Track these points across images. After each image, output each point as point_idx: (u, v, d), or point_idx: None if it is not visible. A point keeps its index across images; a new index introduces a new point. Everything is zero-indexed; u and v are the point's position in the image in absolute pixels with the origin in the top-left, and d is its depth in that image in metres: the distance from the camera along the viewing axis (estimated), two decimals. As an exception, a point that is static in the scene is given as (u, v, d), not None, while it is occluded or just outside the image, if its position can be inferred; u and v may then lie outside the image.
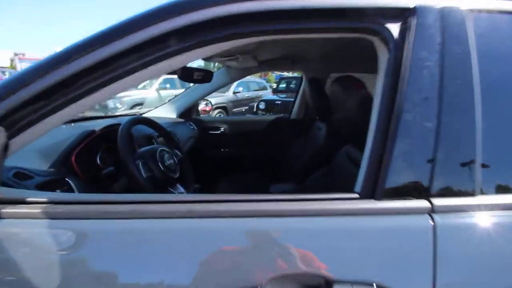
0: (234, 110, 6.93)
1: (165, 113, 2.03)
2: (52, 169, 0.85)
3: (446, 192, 0.53)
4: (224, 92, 6.75)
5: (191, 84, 2.06)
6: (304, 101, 2.13)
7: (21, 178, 0.72)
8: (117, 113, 2.00)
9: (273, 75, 19.91)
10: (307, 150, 1.70)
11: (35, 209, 0.53)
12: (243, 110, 7.19)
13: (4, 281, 0.52)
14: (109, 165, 1.03)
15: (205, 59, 1.35)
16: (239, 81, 7.33)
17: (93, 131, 0.99)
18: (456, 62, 0.56)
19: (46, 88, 0.54)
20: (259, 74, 16.63)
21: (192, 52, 0.61)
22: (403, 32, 0.58)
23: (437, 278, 0.49)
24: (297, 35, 0.63)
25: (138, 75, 0.58)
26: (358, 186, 0.57)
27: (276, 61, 1.80)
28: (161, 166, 0.99)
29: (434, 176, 0.53)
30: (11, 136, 0.53)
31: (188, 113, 2.12)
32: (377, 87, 0.61)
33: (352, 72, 1.39)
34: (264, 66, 1.89)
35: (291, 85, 7.44)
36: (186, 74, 1.21)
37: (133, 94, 6.80)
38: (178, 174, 1.07)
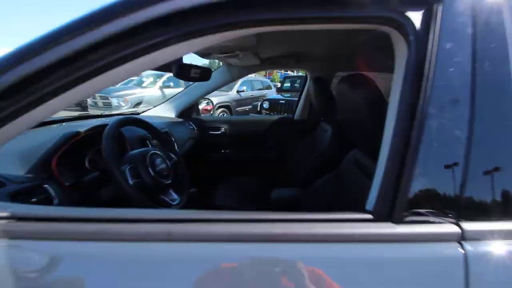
0: (238, 109, 6.85)
1: (164, 113, 1.95)
2: (29, 175, 0.77)
3: (480, 215, 0.43)
4: (227, 91, 6.67)
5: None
6: (308, 101, 2.04)
7: None
8: (114, 112, 1.92)
9: (278, 74, 19.81)
10: (311, 153, 1.61)
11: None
12: (247, 109, 7.10)
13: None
14: (99, 169, 0.96)
15: (202, 56, 1.27)
16: (243, 79, 7.27)
17: (77, 133, 0.92)
18: (491, 58, 0.46)
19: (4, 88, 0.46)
20: (263, 73, 16.58)
21: (178, 46, 0.52)
22: (427, 21, 0.48)
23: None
24: (298, 26, 0.54)
25: (114, 72, 0.50)
26: (371, 203, 0.48)
27: (278, 59, 1.71)
28: (151, 171, 0.91)
29: (465, 196, 0.43)
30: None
31: (188, 112, 2.05)
32: (394, 87, 0.52)
33: (361, 71, 1.30)
34: (267, 64, 1.80)
35: (296, 84, 7.32)
36: (182, 72, 1.12)
37: (137, 92, 6.79)
38: (170, 180, 0.99)
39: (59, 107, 0.52)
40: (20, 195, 0.68)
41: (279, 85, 9.15)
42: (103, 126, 0.93)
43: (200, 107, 4.67)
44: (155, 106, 2.01)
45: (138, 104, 6.14)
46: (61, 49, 0.46)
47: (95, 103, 6.94)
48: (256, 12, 0.48)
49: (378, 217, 0.45)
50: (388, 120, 0.52)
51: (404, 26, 0.49)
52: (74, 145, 0.93)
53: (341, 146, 1.48)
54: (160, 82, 6.97)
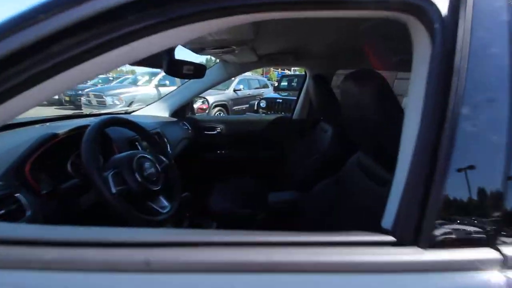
0: (235, 108, 6.77)
1: (157, 112, 1.87)
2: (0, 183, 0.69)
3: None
4: (224, 90, 6.59)
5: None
6: (307, 100, 1.96)
7: None
8: (103, 111, 1.83)
9: (275, 72, 19.77)
10: (310, 154, 1.54)
11: None
12: (244, 108, 7.03)
13: None
14: (82, 174, 0.87)
15: (196, 51, 1.18)
16: (240, 78, 7.19)
17: (54, 135, 0.83)
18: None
19: None
20: (260, 71, 16.49)
21: (161, 35, 0.44)
22: (455, 7, 0.41)
23: None
24: (304, 12, 0.46)
25: (84, 67, 0.42)
26: (389, 221, 0.40)
27: (277, 55, 1.63)
28: (138, 176, 0.82)
29: (506, 214, 0.36)
30: None
31: (182, 111, 1.96)
32: (415, 86, 0.44)
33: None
34: (264, 61, 1.72)
35: (293, 83, 7.27)
36: (174, 68, 1.03)
37: (132, 91, 6.68)
38: (160, 185, 0.90)
39: (20, 108, 0.43)
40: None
41: (276, 84, 9.08)
42: (82, 127, 0.84)
43: (195, 106, 4.58)
44: (148, 105, 1.92)
45: (130, 103, 6.03)
46: (15, 40, 0.37)
47: (89, 101, 6.81)
48: None
49: (401, 240, 0.37)
50: (407, 123, 0.44)
51: (427, 12, 0.42)
52: (52, 148, 0.84)
53: (343, 147, 1.41)
54: (155, 81, 6.86)
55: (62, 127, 0.95)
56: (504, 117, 0.37)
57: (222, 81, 1.89)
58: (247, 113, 6.76)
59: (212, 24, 0.45)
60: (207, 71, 1.25)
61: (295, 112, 2.06)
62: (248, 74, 8.84)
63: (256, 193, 1.64)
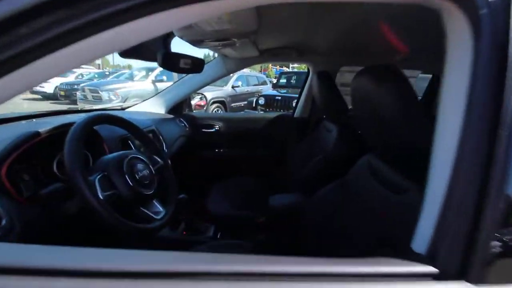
0: (233, 105, 6.69)
1: (152, 108, 1.79)
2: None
3: None
4: (222, 86, 6.51)
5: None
6: (310, 98, 1.89)
7: None
8: (95, 107, 1.74)
9: (273, 69, 19.66)
10: (313, 154, 1.47)
11: None
12: (242, 105, 6.95)
13: None
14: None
15: (194, 43, 1.10)
16: (238, 74, 7.10)
17: (36, 133, 0.75)
18: None
19: None
20: (259, 68, 16.40)
21: (152, 17, 0.37)
22: None
23: None
24: None
25: (53, 57, 0.35)
26: (423, 244, 0.33)
27: (279, 50, 1.56)
28: (129, 180, 0.75)
29: None
30: None
31: (179, 108, 1.88)
32: (451, 85, 0.37)
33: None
34: (266, 56, 1.64)
35: (292, 81, 7.19)
36: (169, 62, 0.96)
37: (128, 86, 6.56)
38: (154, 189, 0.83)
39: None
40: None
41: (274, 81, 8.99)
42: (68, 125, 0.76)
43: (193, 102, 4.49)
44: (143, 101, 1.84)
45: (126, 99, 5.94)
46: None
47: (85, 96, 6.69)
48: None
49: (444, 272, 0.30)
50: (442, 129, 0.37)
51: None
52: (36, 147, 0.76)
53: (349, 148, 1.35)
54: (152, 76, 6.75)
55: (50, 124, 0.87)
56: None
57: (221, 76, 1.81)
58: (245, 110, 6.68)
59: (212, 6, 0.38)
60: (206, 66, 1.17)
61: (296, 110, 1.99)
62: (246, 70, 8.74)
63: (256, 194, 1.57)
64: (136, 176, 0.78)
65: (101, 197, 0.66)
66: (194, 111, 2.35)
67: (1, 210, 0.61)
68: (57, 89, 8.51)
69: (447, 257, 0.31)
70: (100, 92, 6.39)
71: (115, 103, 5.83)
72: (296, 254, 0.34)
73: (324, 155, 1.39)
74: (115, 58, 25.11)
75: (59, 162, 0.85)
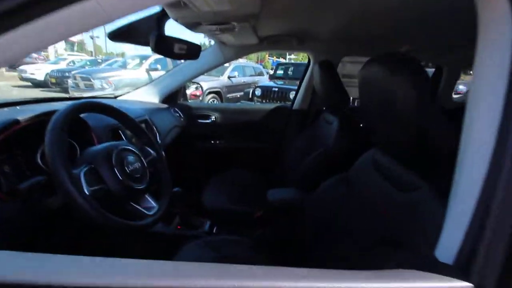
0: (229, 95, 6.59)
1: (146, 97, 1.71)
2: None
3: None
4: (218, 76, 6.39)
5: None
6: (310, 89, 1.83)
7: None
8: (85, 95, 1.66)
9: (270, 60, 19.46)
10: (313, 147, 1.43)
11: None
12: (238, 96, 6.86)
13: None
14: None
15: (190, 26, 1.02)
16: (235, 65, 6.97)
17: (15, 121, 0.68)
18: None
19: None
20: (255, 60, 16.22)
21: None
22: None
23: None
24: None
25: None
26: (450, 254, 0.29)
27: (279, 37, 1.48)
28: (118, 173, 0.69)
29: None
30: None
31: (174, 97, 1.81)
32: (485, 78, 0.32)
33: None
34: (265, 44, 1.57)
35: (289, 72, 7.11)
36: (162, 45, 0.89)
37: (121, 74, 6.40)
38: (146, 183, 0.77)
39: None
40: None
41: (271, 72, 8.88)
42: (51, 113, 0.70)
43: (188, 91, 4.38)
44: (136, 89, 1.76)
45: (122, 86, 5.80)
46: None
47: (76, 84, 6.51)
48: None
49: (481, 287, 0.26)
50: (475, 123, 0.32)
51: None
52: (16, 136, 0.70)
53: (350, 141, 1.30)
54: (146, 64, 6.59)
55: (34, 111, 0.80)
56: None
57: (218, 65, 1.73)
58: (241, 101, 6.60)
59: None
60: (202, 53, 1.10)
61: (295, 102, 1.93)
62: (243, 60, 8.58)
63: (253, 188, 1.53)
64: (127, 169, 0.72)
65: (86, 193, 0.60)
66: (189, 101, 2.27)
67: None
68: (47, 76, 8.26)
69: (484, 271, 0.26)
70: (92, 80, 6.22)
71: (108, 92, 5.69)
72: (294, 251, 0.29)
73: (325, 148, 1.34)
74: (108, 45, 24.48)
75: (43, 153, 0.78)
